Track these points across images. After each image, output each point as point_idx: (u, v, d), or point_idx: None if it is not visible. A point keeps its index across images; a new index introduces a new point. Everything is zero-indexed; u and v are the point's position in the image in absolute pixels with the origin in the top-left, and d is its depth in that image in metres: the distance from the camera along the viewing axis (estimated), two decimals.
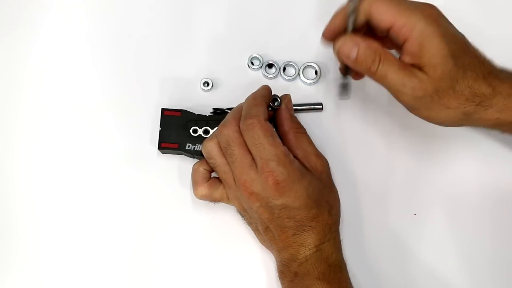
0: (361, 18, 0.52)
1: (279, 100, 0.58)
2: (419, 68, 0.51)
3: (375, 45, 0.52)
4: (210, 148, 0.56)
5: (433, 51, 0.50)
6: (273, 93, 0.59)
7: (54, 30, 0.66)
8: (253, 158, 0.54)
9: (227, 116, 0.56)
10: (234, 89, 0.64)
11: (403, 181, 0.62)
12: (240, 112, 0.56)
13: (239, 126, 0.55)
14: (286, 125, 0.57)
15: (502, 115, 0.52)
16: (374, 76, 0.52)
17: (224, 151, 0.55)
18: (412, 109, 0.53)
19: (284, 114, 0.58)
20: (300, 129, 0.58)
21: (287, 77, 0.65)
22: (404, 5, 0.51)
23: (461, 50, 0.51)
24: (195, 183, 0.58)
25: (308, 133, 0.59)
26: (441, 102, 0.51)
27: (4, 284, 0.61)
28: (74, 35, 0.66)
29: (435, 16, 0.51)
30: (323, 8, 0.67)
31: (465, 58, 0.51)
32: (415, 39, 0.50)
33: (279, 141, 0.54)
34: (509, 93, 0.52)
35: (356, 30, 0.53)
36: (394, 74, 0.51)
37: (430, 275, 0.61)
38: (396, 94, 0.52)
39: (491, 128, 0.55)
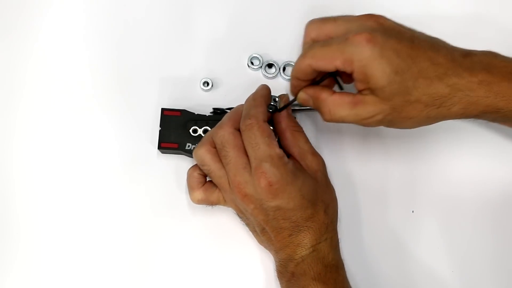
0: (309, 76, 0.54)
1: (277, 101, 0.58)
2: (371, 91, 0.51)
3: (323, 95, 0.54)
4: (202, 155, 0.56)
5: (376, 75, 0.50)
6: (272, 94, 0.59)
7: (53, 30, 0.66)
8: (248, 160, 0.54)
9: (224, 117, 0.57)
10: (234, 89, 0.64)
11: (402, 180, 0.63)
12: (236, 114, 0.56)
13: (234, 128, 0.55)
14: (284, 123, 0.57)
15: (467, 110, 0.52)
16: (336, 122, 0.54)
17: (218, 152, 0.55)
18: (380, 126, 0.54)
19: (281, 113, 0.58)
20: (297, 128, 0.58)
21: (287, 77, 0.65)
22: (335, 44, 0.51)
23: (407, 60, 0.50)
24: (190, 188, 0.58)
25: (307, 132, 0.59)
26: (401, 116, 0.52)
27: (4, 284, 0.61)
28: (73, 35, 0.66)
29: (367, 37, 0.50)
30: (323, 8, 0.67)
31: (413, 67, 0.50)
32: (357, 70, 0.51)
33: (275, 142, 0.54)
34: (470, 87, 0.51)
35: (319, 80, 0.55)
36: (348, 113, 0.52)
37: (430, 275, 0.61)
38: (361, 125, 0.53)
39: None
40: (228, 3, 0.67)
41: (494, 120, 0.55)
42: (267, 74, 0.65)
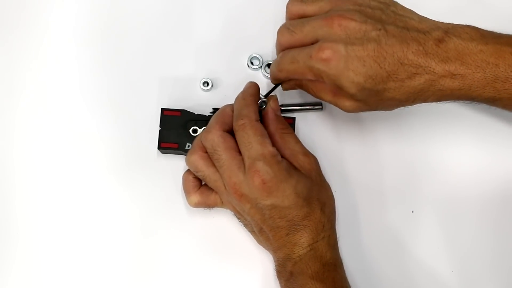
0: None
1: (266, 102, 0.58)
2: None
3: (304, 82, 0.57)
4: (194, 161, 0.56)
5: (345, 85, 0.51)
6: (261, 94, 0.59)
7: (52, 31, 0.67)
8: (241, 161, 0.54)
9: (210, 121, 0.57)
10: (234, 89, 0.63)
11: (402, 179, 0.63)
12: (223, 116, 0.56)
13: (222, 130, 0.55)
14: (272, 126, 0.57)
15: (442, 99, 0.53)
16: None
17: (210, 156, 0.55)
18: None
19: (270, 115, 0.57)
20: (286, 129, 0.58)
21: None
22: (302, 61, 0.52)
23: (373, 67, 0.50)
24: (187, 193, 0.59)
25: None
26: (378, 108, 0.55)
27: (4, 284, 0.61)
28: (72, 36, 0.67)
29: (331, 55, 0.50)
30: None
31: (382, 72, 0.50)
32: (328, 83, 0.52)
33: (268, 141, 0.54)
34: (443, 82, 0.51)
35: None
36: (330, 99, 0.55)
37: (430, 275, 0.61)
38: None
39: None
40: (228, 3, 0.67)
41: (470, 103, 0.55)
42: (267, 74, 0.65)
